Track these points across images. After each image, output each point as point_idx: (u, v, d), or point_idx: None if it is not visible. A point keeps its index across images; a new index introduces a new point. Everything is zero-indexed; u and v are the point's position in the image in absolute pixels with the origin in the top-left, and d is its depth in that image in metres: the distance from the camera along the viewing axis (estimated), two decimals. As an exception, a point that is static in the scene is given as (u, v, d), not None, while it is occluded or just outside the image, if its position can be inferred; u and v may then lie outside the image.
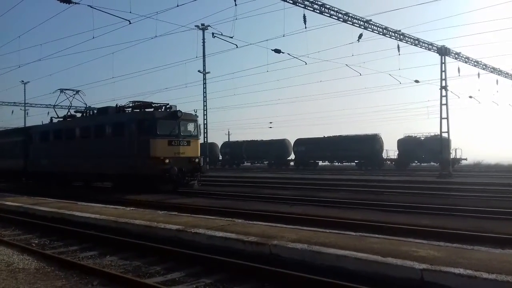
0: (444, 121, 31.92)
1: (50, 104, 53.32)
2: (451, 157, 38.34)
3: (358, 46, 35.03)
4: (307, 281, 5.68)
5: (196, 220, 9.76)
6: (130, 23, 19.19)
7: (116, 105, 22.19)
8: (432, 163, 46.91)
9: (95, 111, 24.46)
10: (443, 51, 31.43)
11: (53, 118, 26.90)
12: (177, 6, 19.64)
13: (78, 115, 25.92)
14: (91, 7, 17.92)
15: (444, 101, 31.95)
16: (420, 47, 30.36)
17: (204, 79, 38.86)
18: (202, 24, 35.81)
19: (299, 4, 22.30)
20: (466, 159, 46.65)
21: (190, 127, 20.57)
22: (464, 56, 33.50)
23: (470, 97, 38.51)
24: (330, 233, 7.94)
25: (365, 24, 25.94)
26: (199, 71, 38.82)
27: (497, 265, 5.40)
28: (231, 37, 22.70)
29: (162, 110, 20.28)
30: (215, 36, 23.82)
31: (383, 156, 51.34)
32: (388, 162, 51.82)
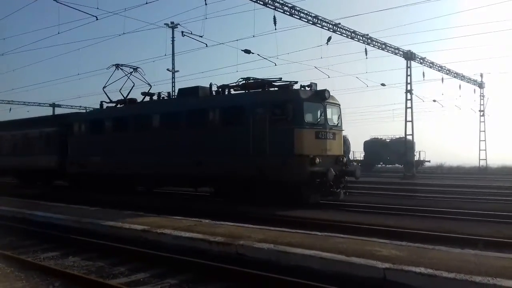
0: (409, 124, 32.81)
1: (12, 101, 51.60)
2: (415, 159, 39.32)
3: (327, 48, 35.51)
4: (272, 280, 5.71)
5: (162, 220, 9.66)
6: (97, 19, 18.81)
7: (210, 84, 16.84)
8: (397, 165, 47.97)
9: (164, 94, 19.26)
10: (409, 56, 32.24)
11: (103, 102, 20.89)
12: (146, 3, 19.41)
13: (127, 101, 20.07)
14: (57, 1, 17.50)
15: (409, 105, 32.84)
16: (387, 51, 31.08)
17: (173, 77, 38.47)
18: (172, 22, 35.38)
19: (270, 6, 22.41)
20: (429, 161, 47.90)
21: (335, 113, 15.20)
22: (429, 61, 34.51)
23: (434, 101, 39.81)
24: (296, 233, 8.01)
25: (334, 27, 26.31)
26: (168, 69, 38.37)
27: (456, 264, 5.57)
28: (201, 36, 22.51)
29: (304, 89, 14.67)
30: (184, 35, 23.61)
31: (350, 157, 52.14)
32: (355, 163, 52.65)
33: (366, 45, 28.74)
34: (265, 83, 15.21)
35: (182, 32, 23.93)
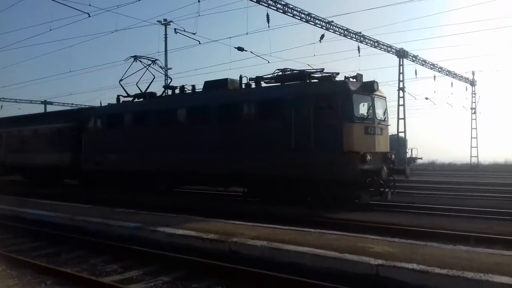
0: (401, 121, 33.00)
1: (4, 98, 50.95)
2: (407, 156, 39.53)
3: (320, 46, 35.74)
4: (265, 277, 5.72)
5: (154, 218, 9.63)
6: (89, 16, 18.68)
7: (240, 76, 15.78)
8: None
9: (188, 87, 17.51)
10: (402, 54, 32.38)
11: (120, 96, 19.58)
12: (139, 0, 19.35)
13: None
14: (49, -2, 17.34)
15: (401, 102, 33.03)
16: (380, 49, 31.16)
17: (166, 74, 38.23)
18: (164, 20, 35.18)
19: (263, 3, 22.36)
20: (421, 158, 48.11)
21: (382, 107, 14.00)
22: (421, 59, 34.67)
23: (426, 98, 39.89)
24: (290, 230, 8.03)
25: (327, 25, 26.33)
26: (160, 66, 38.15)
27: (448, 261, 5.61)
28: (194, 33, 22.43)
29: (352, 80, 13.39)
30: (177, 32, 23.51)
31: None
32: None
33: (359, 43, 28.80)
34: (305, 75, 14.11)
35: (175, 29, 23.82)
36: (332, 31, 26.93)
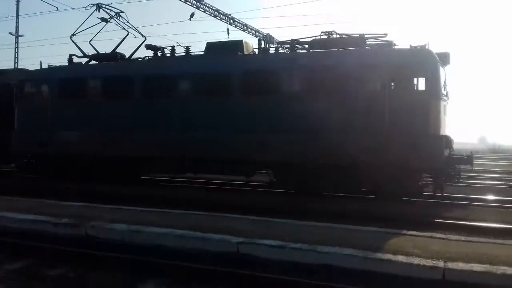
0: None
1: None
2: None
3: (190, 25, 35.33)
4: (122, 261, 5.50)
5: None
6: None
7: (259, 39, 12.87)
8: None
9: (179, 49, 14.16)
10: (268, 39, 33.53)
11: (73, 56, 15.22)
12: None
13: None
14: None
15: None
16: (248, 33, 31.84)
17: (16, 42, 34.52)
18: (17, -19, 31.61)
19: (129, -27, 21.27)
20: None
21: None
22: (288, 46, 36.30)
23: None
24: (151, 212, 7.90)
25: (198, 3, 26.05)
26: (10, 33, 34.28)
27: (303, 236, 5.97)
28: (52, -1, 20.44)
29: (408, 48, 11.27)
30: (31, -4, 21.14)
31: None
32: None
33: (228, 25, 29.07)
34: (361, 40, 11.66)
35: (29, -8, 21.39)
36: (202, 10, 26.73)
